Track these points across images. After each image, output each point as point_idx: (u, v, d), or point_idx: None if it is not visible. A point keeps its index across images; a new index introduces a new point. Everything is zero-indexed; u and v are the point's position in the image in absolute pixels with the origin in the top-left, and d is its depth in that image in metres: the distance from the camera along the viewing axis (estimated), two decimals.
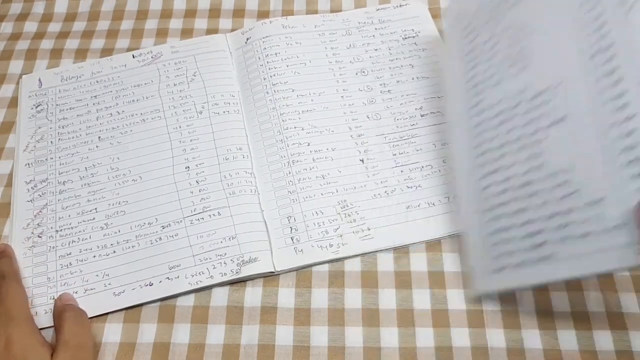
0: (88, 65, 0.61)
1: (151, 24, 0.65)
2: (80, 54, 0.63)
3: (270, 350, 0.45)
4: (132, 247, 0.49)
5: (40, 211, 0.51)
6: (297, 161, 0.53)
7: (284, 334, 0.46)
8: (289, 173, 0.52)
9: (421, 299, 0.47)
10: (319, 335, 0.45)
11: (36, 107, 0.58)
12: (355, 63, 0.60)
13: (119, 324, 0.47)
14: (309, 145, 0.54)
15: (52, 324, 0.45)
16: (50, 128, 0.56)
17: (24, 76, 0.61)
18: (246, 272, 0.47)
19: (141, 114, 0.56)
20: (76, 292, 0.47)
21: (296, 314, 0.46)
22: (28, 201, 0.52)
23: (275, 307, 0.47)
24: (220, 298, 0.47)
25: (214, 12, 0.66)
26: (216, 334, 0.46)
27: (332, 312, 0.46)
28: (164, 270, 0.48)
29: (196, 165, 0.53)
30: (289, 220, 0.50)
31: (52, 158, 0.54)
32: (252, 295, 0.47)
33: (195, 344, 0.45)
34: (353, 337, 0.45)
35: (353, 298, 0.47)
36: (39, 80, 0.60)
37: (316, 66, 0.59)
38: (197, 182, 0.52)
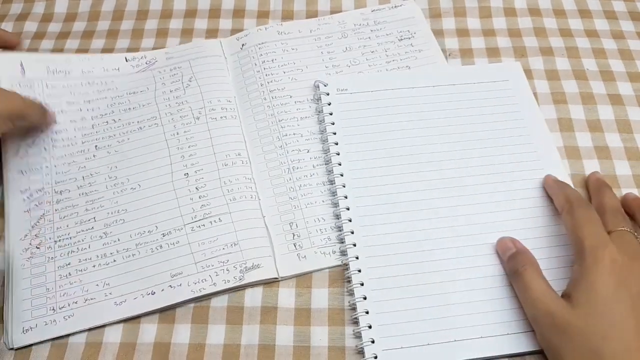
0: (77, 60, 0.60)
1: (151, 24, 0.65)
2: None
3: (270, 350, 0.45)
4: (133, 255, 0.48)
5: (37, 221, 0.50)
6: (298, 168, 0.53)
7: (284, 334, 0.46)
8: (290, 179, 0.52)
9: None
10: (319, 335, 0.45)
11: None
12: (352, 66, 0.60)
13: (119, 324, 0.46)
14: (308, 152, 0.54)
15: (52, 336, 0.45)
16: (41, 131, 0.55)
17: (0, 55, 0.59)
18: (249, 278, 0.47)
19: (138, 122, 0.56)
20: (76, 302, 0.46)
21: (296, 314, 0.47)
22: (25, 211, 0.51)
23: (276, 307, 0.47)
24: (220, 298, 0.47)
25: (214, 13, 0.66)
26: (216, 334, 0.46)
27: (332, 312, 0.46)
28: (165, 278, 0.47)
29: (195, 172, 0.52)
30: (290, 227, 0.50)
31: (47, 167, 0.53)
32: (253, 296, 0.47)
33: (196, 344, 0.45)
34: (353, 336, 0.45)
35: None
36: (21, 65, 0.58)
37: (313, 72, 0.59)
38: (196, 188, 0.51)
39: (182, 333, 0.46)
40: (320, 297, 0.47)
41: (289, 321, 0.46)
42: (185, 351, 0.45)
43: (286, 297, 0.47)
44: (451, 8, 0.65)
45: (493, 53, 0.62)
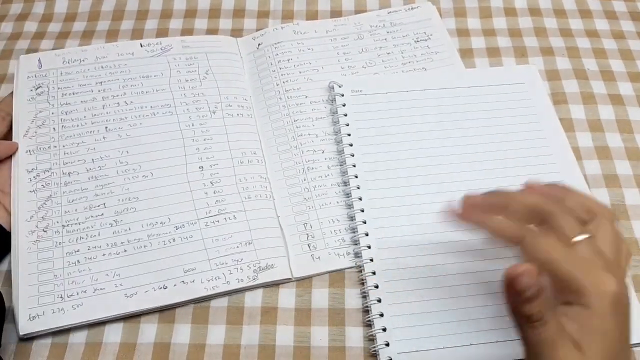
0: (92, 49, 0.59)
1: (151, 24, 0.65)
2: None
3: (270, 350, 0.45)
4: (144, 247, 0.47)
5: (44, 203, 0.49)
6: (312, 168, 0.53)
7: (285, 334, 0.46)
8: (304, 180, 0.52)
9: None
10: (320, 336, 0.46)
11: (36, 89, 0.55)
12: (367, 68, 0.60)
13: (120, 324, 0.46)
14: (323, 152, 0.54)
15: (60, 325, 0.44)
16: (52, 113, 0.54)
17: (21, 56, 0.58)
18: (263, 278, 0.47)
19: (151, 107, 0.55)
20: (85, 292, 0.45)
21: (297, 314, 0.47)
22: (31, 191, 0.49)
23: (276, 307, 0.47)
24: (220, 299, 0.47)
25: (214, 12, 0.66)
26: (216, 334, 0.46)
27: (333, 312, 0.47)
28: (178, 273, 0.46)
29: (210, 166, 0.52)
30: (305, 227, 0.50)
31: (55, 146, 0.52)
32: (253, 296, 0.47)
33: (196, 344, 0.45)
34: (354, 337, 0.46)
35: (353, 298, 0.47)
36: (39, 60, 0.57)
37: (329, 72, 0.59)
38: (211, 183, 0.51)
39: (182, 333, 0.45)
40: (321, 297, 0.47)
41: (289, 321, 0.46)
42: (185, 351, 0.45)
43: (286, 297, 0.47)
44: (451, 8, 0.66)
45: (493, 53, 0.62)
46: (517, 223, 0.37)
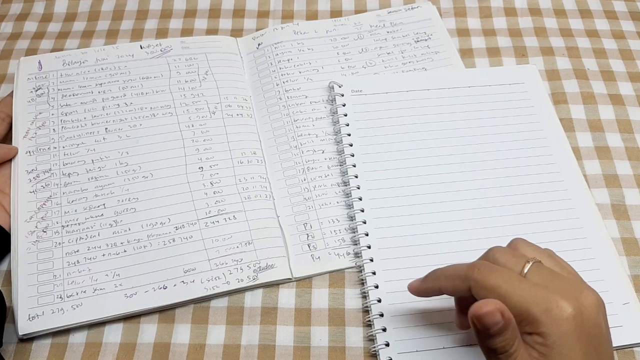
0: (92, 51, 0.59)
1: (151, 24, 0.65)
2: None
3: (270, 350, 0.45)
4: (144, 247, 0.47)
5: (44, 204, 0.49)
6: (312, 168, 0.53)
7: (285, 335, 0.46)
8: (304, 180, 0.52)
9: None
10: (320, 336, 0.46)
11: (36, 91, 0.55)
12: (368, 68, 0.60)
13: (119, 324, 0.46)
14: (323, 152, 0.54)
15: (60, 325, 0.44)
16: (52, 114, 0.54)
17: (22, 58, 0.58)
18: (263, 278, 0.47)
19: (151, 108, 0.55)
20: (85, 292, 0.45)
21: (297, 315, 0.47)
22: (30, 192, 0.49)
23: (276, 307, 0.47)
24: (220, 299, 0.47)
25: (214, 12, 0.66)
26: (217, 335, 0.46)
27: (333, 312, 0.47)
28: (178, 273, 0.46)
29: (210, 167, 0.52)
30: (305, 227, 0.50)
31: (55, 147, 0.52)
32: (253, 296, 0.47)
33: (196, 345, 0.45)
34: (354, 337, 0.46)
35: (353, 298, 0.47)
36: (39, 62, 0.57)
37: (329, 72, 0.59)
38: (211, 183, 0.51)
39: (182, 333, 0.45)
40: (321, 297, 0.47)
41: (289, 321, 0.46)
42: (185, 351, 0.45)
43: (286, 297, 0.47)
44: (451, 8, 0.66)
45: (493, 53, 0.62)
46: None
